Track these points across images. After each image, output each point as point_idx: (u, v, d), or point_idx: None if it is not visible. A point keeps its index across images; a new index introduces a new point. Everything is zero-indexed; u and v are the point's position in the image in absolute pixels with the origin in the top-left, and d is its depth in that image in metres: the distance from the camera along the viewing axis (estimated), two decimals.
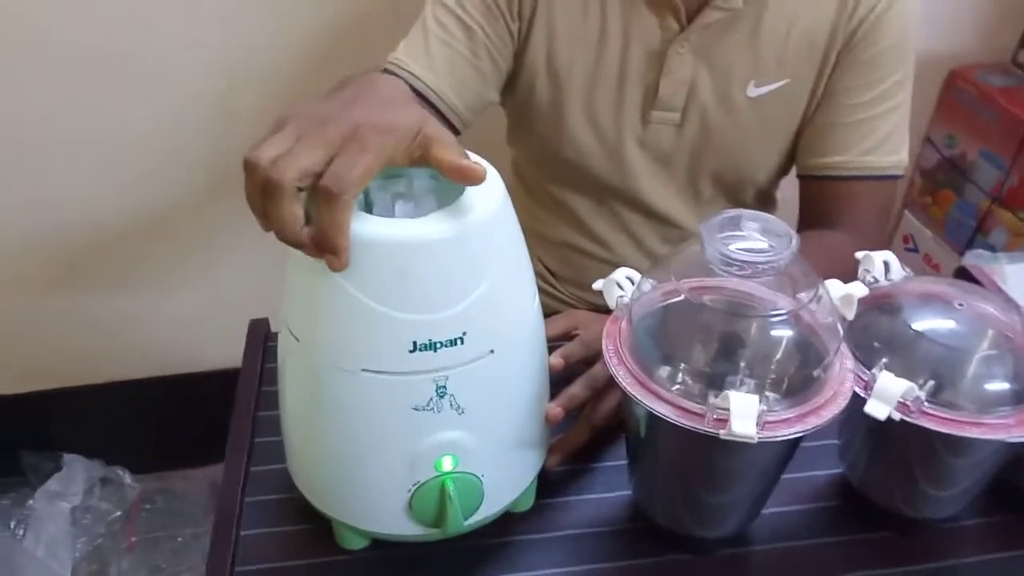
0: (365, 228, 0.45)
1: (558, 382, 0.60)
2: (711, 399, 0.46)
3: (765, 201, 0.93)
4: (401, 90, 0.54)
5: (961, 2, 1.33)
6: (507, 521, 0.59)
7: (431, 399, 0.49)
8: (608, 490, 0.62)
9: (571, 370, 0.62)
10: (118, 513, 1.43)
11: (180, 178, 1.27)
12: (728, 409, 0.44)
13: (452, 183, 0.48)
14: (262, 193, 0.44)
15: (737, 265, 0.46)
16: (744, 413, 0.44)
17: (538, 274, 0.80)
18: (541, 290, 0.97)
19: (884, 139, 0.80)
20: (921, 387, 0.48)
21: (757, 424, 0.44)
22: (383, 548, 0.57)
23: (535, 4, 0.80)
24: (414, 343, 0.47)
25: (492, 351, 0.49)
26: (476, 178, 0.47)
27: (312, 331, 0.49)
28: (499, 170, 0.51)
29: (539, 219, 0.96)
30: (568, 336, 0.66)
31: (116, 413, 1.44)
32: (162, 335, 1.41)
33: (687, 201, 0.89)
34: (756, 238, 0.47)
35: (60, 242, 1.30)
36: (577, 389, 0.60)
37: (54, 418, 1.44)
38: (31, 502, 1.38)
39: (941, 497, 0.56)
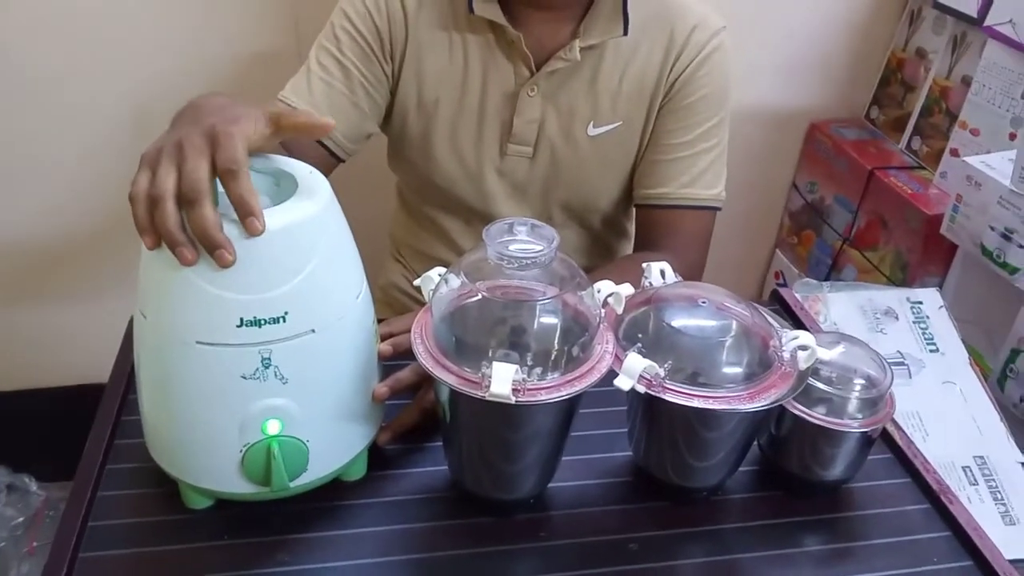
0: None
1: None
2: (483, 369, 0.55)
3: (615, 229, 1.04)
4: (230, 98, 0.65)
5: (822, 63, 1.49)
6: (339, 487, 0.68)
7: (257, 369, 0.58)
8: (433, 464, 0.71)
9: (405, 358, 0.71)
10: (21, 519, 1.47)
11: (98, 198, 1.35)
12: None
13: (289, 188, 0.58)
14: (149, 212, 0.53)
15: (508, 260, 0.57)
16: (502, 378, 0.54)
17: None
18: (415, 299, 1.07)
19: (701, 174, 0.92)
20: (664, 367, 0.59)
21: (516, 389, 0.54)
22: (224, 508, 0.65)
23: (404, 49, 0.91)
24: (241, 319, 0.56)
25: (313, 330, 0.59)
26: (327, 126, 0.58)
27: (156, 310, 0.58)
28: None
29: (417, 237, 1.07)
30: None
31: (26, 421, 1.49)
32: (76, 345, 1.47)
33: None
34: (527, 240, 0.58)
35: None
36: (405, 373, 0.69)
37: None
38: None
39: (702, 467, 0.66)
